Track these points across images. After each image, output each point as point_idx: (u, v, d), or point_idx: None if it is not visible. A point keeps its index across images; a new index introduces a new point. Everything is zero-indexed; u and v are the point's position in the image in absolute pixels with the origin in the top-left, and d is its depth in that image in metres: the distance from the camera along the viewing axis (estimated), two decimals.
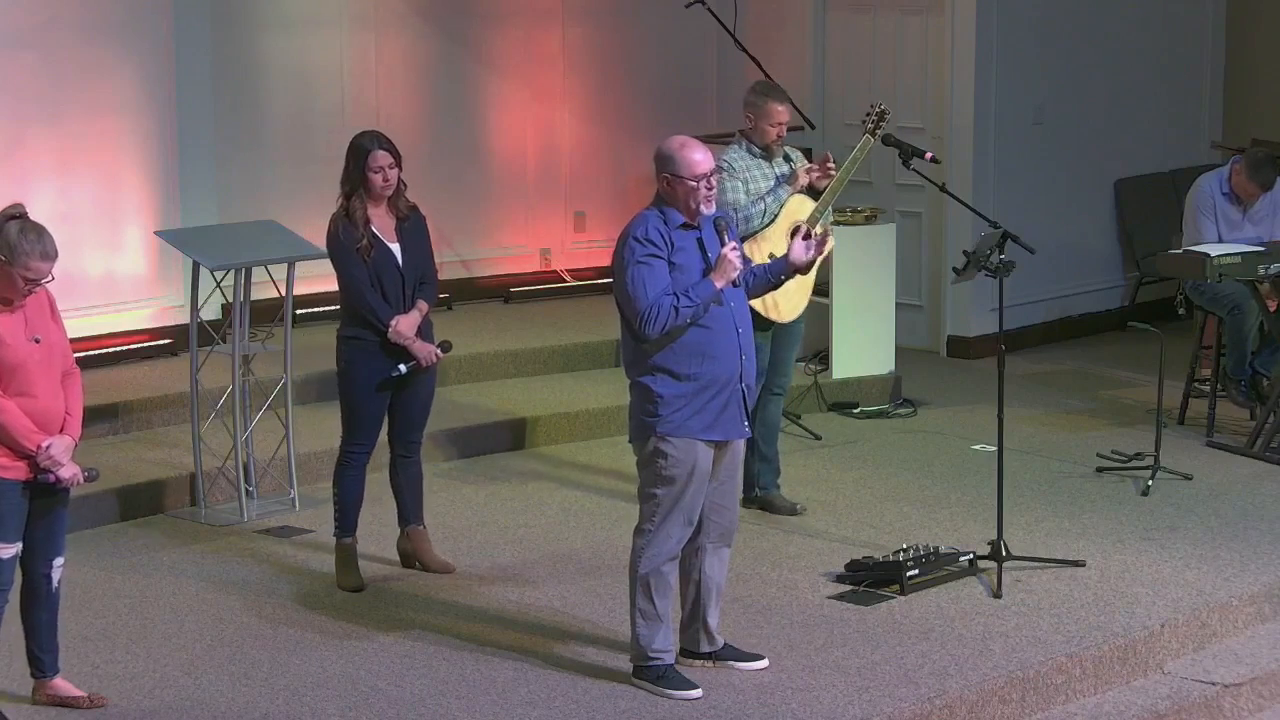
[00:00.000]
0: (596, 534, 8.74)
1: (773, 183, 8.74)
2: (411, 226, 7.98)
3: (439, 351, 8.01)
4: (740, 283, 6.82)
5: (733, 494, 6.98)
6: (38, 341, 6.40)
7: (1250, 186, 10.62)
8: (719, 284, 6.70)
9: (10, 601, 6.52)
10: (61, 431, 6.44)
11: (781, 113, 8.74)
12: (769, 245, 8.67)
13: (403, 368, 7.89)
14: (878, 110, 8.85)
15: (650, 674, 6.84)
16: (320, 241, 9.01)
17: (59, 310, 6.58)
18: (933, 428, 10.72)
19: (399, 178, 7.90)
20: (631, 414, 6.86)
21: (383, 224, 7.91)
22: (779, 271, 7.06)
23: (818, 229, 8.78)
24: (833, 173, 8.71)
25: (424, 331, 7.99)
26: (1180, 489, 9.44)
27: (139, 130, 10.77)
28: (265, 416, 9.12)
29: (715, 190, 6.79)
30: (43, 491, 6.45)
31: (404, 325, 7.87)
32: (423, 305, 7.97)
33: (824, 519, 8.94)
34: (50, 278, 6.38)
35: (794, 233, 8.76)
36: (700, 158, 6.72)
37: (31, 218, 6.42)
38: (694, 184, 6.71)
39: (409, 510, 8.20)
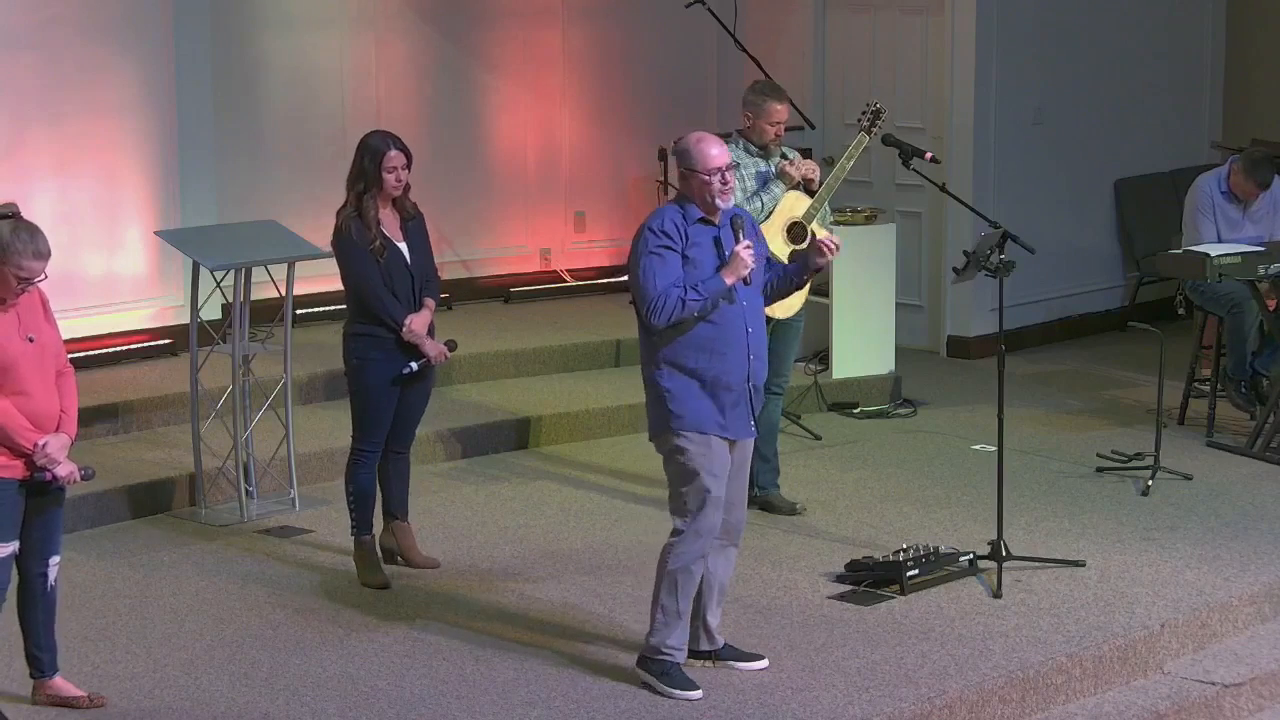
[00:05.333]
0: (596, 534, 8.74)
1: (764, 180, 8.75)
2: (416, 226, 8.02)
3: (446, 351, 8.05)
4: (750, 281, 6.81)
5: (740, 493, 7.00)
6: (31, 340, 6.40)
7: (1248, 185, 10.62)
8: (729, 280, 6.72)
9: (8, 601, 6.52)
10: (57, 430, 6.44)
11: (780, 112, 8.75)
12: None
13: (414, 365, 7.94)
14: (873, 108, 8.87)
15: (656, 667, 6.85)
16: (320, 241, 9.02)
17: (52, 309, 6.58)
18: (933, 428, 10.72)
19: (407, 179, 7.93)
20: (648, 411, 6.90)
21: (389, 223, 7.94)
22: (800, 272, 7.08)
23: (815, 227, 8.80)
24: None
25: (428, 331, 8.03)
26: (1180, 489, 9.44)
27: (139, 130, 10.77)
28: (265, 416, 9.12)
29: (732, 185, 6.81)
30: (38, 490, 6.45)
31: (417, 324, 7.92)
32: (430, 303, 8.03)
33: (824, 519, 8.94)
34: (43, 276, 6.39)
35: (790, 229, 8.78)
36: (716, 152, 6.77)
37: (31, 217, 6.43)
38: (707, 178, 6.75)
39: (396, 504, 8.22)
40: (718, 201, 6.78)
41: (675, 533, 6.85)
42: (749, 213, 7.15)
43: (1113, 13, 13.12)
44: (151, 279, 10.87)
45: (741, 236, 6.79)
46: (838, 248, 7.07)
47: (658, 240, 6.74)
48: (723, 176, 6.77)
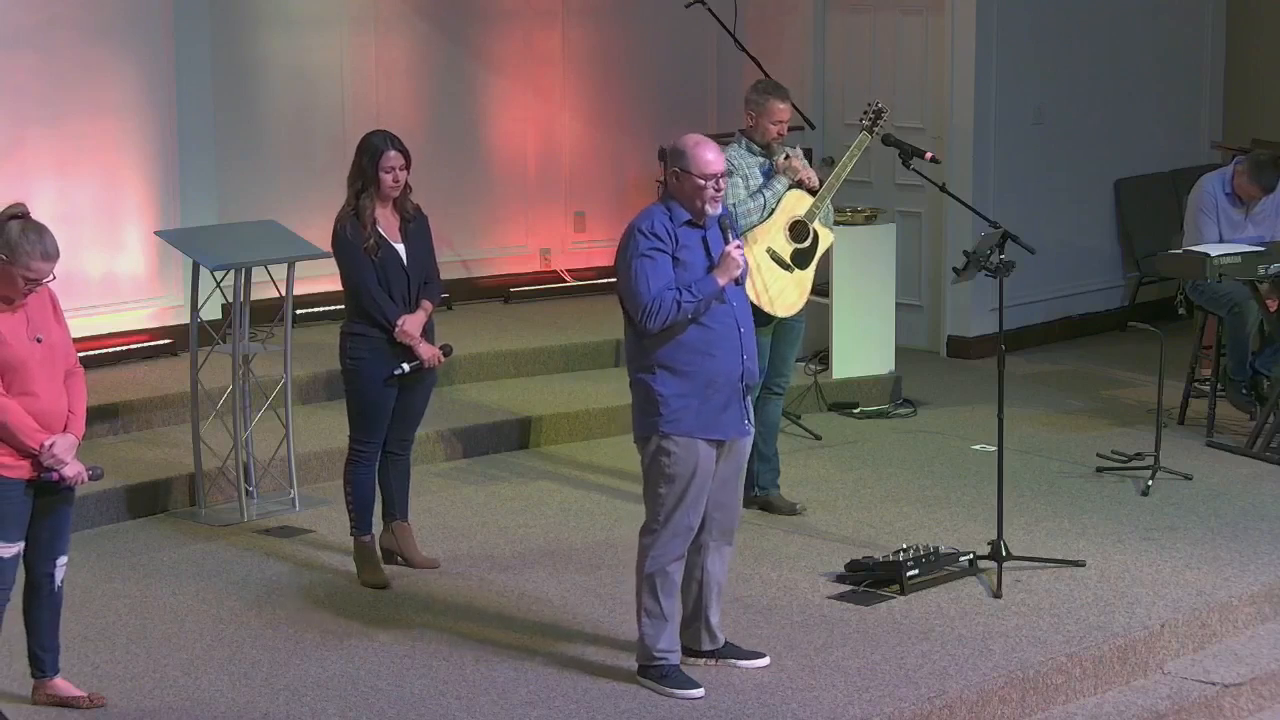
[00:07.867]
0: (596, 534, 8.74)
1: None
2: (416, 227, 8.02)
3: (441, 355, 8.04)
4: (741, 280, 6.83)
5: (735, 492, 6.98)
6: (39, 341, 6.40)
7: (1252, 188, 10.63)
8: (721, 281, 6.72)
9: (12, 600, 6.52)
10: (65, 430, 6.44)
11: (783, 111, 8.75)
12: (766, 240, 8.67)
13: (406, 366, 7.93)
14: (874, 108, 8.89)
15: (654, 673, 6.85)
16: (320, 241, 9.03)
17: (61, 309, 6.59)
18: (933, 428, 10.72)
19: (406, 179, 7.93)
20: (634, 413, 6.88)
21: (388, 224, 7.94)
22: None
23: (818, 226, 8.82)
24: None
25: (427, 332, 8.02)
26: (1180, 489, 9.44)
27: (139, 130, 10.77)
28: (265, 416, 9.13)
29: (723, 192, 6.80)
30: (46, 490, 6.46)
31: (410, 325, 7.92)
32: (427, 305, 8.03)
33: (824, 519, 8.94)
34: (51, 277, 6.39)
35: (793, 227, 8.78)
36: (713, 157, 6.74)
37: (32, 217, 6.43)
38: (702, 183, 6.72)
39: (396, 505, 8.23)
40: (708, 208, 6.76)
41: (648, 532, 6.83)
42: (730, 211, 7.11)
43: (1112, 13, 13.12)
44: (151, 279, 10.87)
45: (730, 236, 6.80)
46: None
47: (649, 242, 6.71)
48: (716, 183, 6.74)
